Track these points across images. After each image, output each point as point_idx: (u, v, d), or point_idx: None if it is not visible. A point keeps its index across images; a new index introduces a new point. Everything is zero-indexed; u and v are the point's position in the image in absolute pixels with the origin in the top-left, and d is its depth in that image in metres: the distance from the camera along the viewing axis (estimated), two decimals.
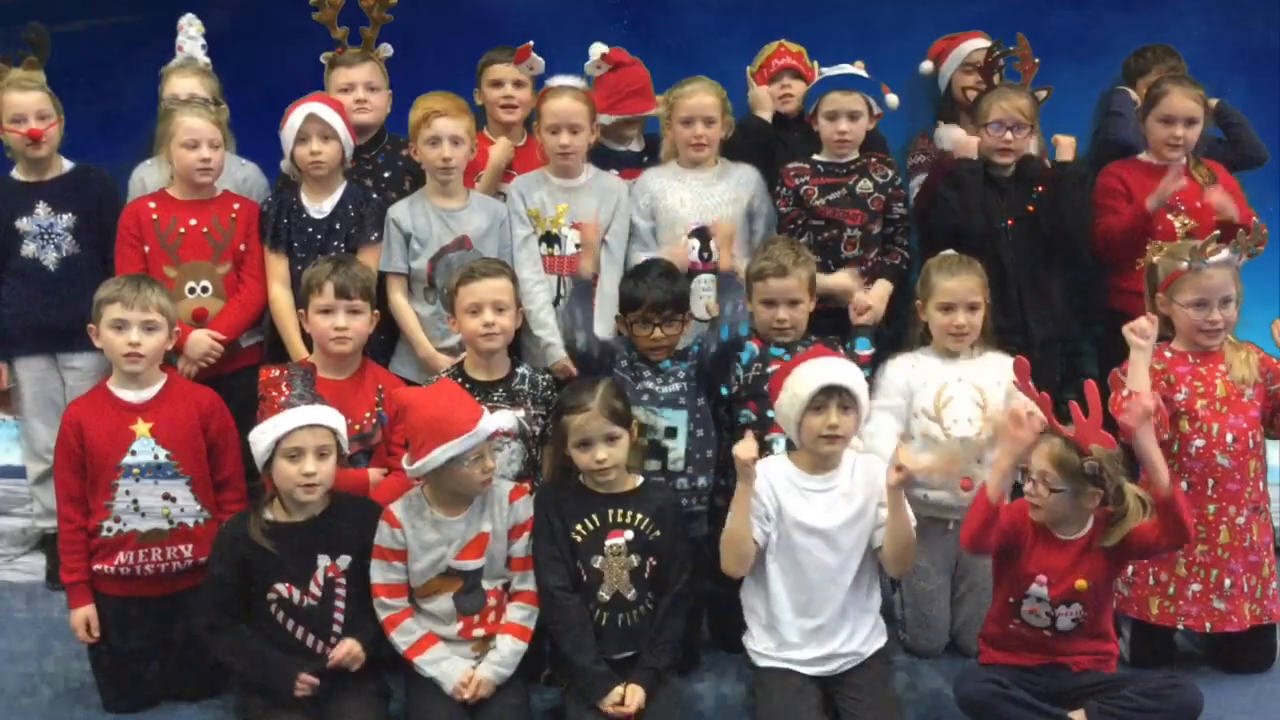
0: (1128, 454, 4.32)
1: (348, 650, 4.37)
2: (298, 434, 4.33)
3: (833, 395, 4.44)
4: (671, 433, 4.87)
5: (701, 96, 5.48)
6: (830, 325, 5.33)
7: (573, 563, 4.49)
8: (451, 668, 4.39)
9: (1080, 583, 4.33)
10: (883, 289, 5.50)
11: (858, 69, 5.62)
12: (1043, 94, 5.71)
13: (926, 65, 6.29)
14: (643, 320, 4.88)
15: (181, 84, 5.62)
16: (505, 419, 4.52)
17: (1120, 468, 4.30)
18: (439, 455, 4.34)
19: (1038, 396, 4.35)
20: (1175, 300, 4.83)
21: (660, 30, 6.49)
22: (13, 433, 6.15)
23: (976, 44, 5.99)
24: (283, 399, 4.42)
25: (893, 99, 5.71)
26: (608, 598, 4.47)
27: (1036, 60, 5.92)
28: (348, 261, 4.96)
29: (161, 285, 4.79)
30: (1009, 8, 6.47)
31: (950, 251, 5.15)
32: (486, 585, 4.49)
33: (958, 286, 4.97)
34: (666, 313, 4.88)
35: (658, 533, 4.52)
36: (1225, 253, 4.79)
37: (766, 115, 5.89)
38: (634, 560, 4.49)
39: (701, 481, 4.90)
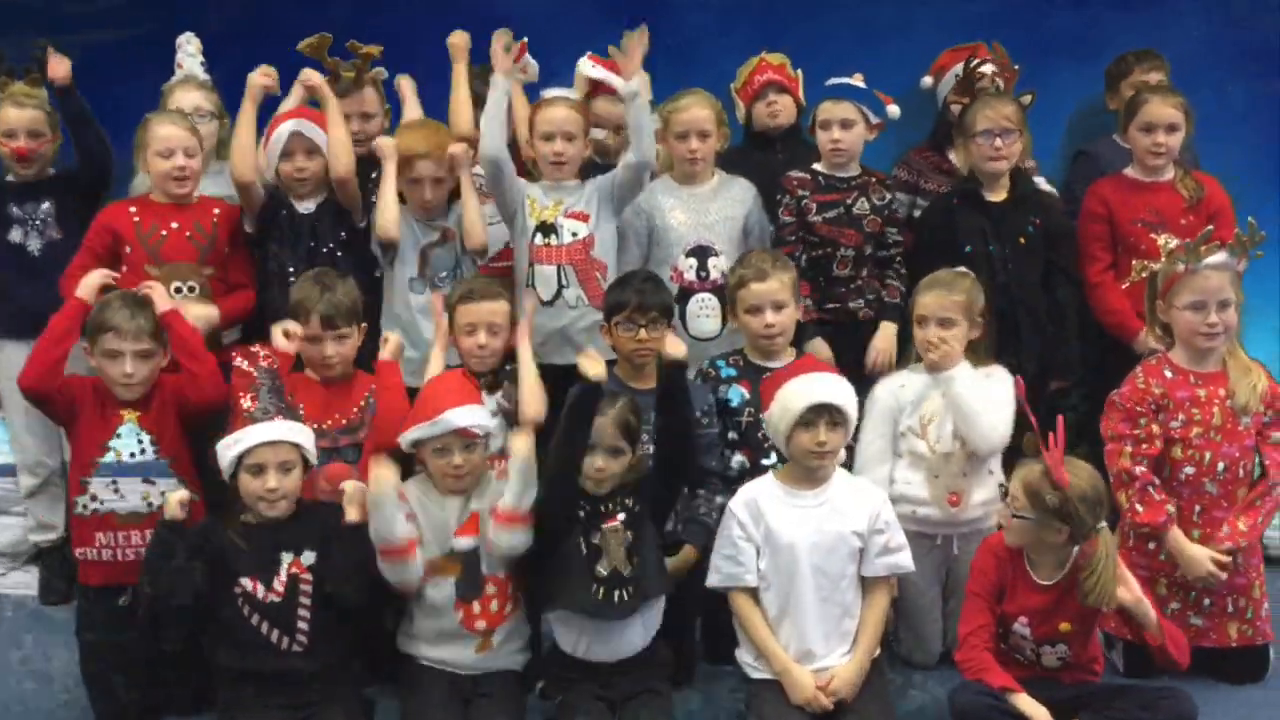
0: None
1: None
2: (259, 450, 4.36)
3: (822, 413, 4.48)
4: None
5: (695, 110, 5.47)
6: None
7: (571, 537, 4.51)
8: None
9: (1064, 625, 4.37)
10: (887, 331, 5.49)
11: (855, 80, 5.60)
12: (1026, 99, 5.67)
13: (927, 80, 6.25)
14: (627, 322, 4.88)
15: (185, 98, 5.65)
16: (476, 415, 4.50)
17: (1101, 510, 4.30)
18: (408, 435, 4.49)
19: (1032, 418, 4.39)
20: (1174, 304, 4.80)
21: (660, 30, 6.36)
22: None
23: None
24: (247, 408, 4.45)
25: (894, 109, 5.69)
26: (605, 573, 4.47)
27: (1016, 67, 5.89)
28: (333, 285, 4.92)
29: (151, 310, 4.76)
30: (1009, 8, 6.48)
31: (945, 270, 5.10)
32: (485, 570, 4.51)
33: (931, 302, 4.94)
34: (651, 314, 4.88)
35: (640, 506, 4.55)
36: (1222, 255, 4.76)
37: None
38: (629, 536, 4.50)
39: None
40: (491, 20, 6.33)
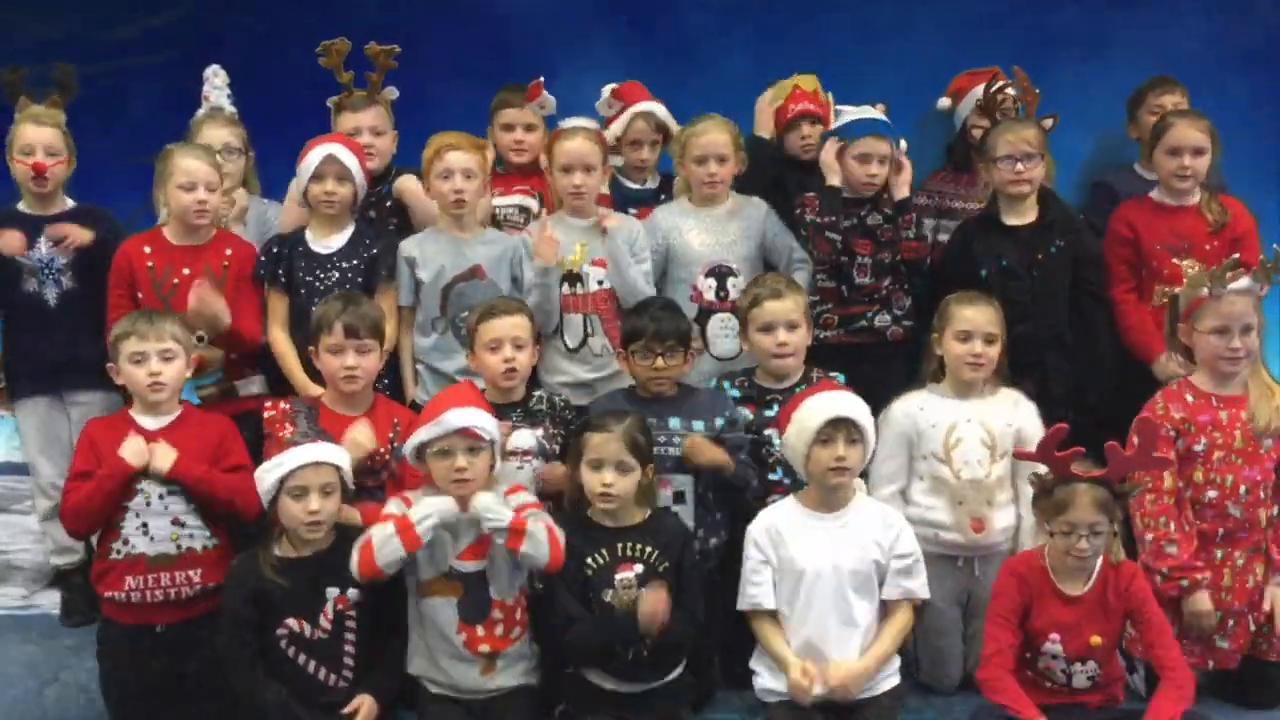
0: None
1: (365, 710, 4.40)
2: (301, 472, 4.35)
3: (840, 427, 4.48)
4: (679, 497, 4.89)
5: (714, 134, 5.45)
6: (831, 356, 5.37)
7: (584, 596, 4.51)
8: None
9: (1095, 639, 4.38)
10: None
11: (879, 112, 5.60)
12: (1048, 123, 5.64)
13: (944, 102, 6.23)
14: (645, 350, 4.88)
15: (213, 134, 5.61)
16: (479, 417, 4.45)
17: None
18: (412, 440, 4.46)
19: (1057, 459, 4.37)
20: (1197, 328, 4.79)
21: (659, 29, 6.47)
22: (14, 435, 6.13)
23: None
24: (286, 437, 4.44)
25: (902, 144, 5.68)
26: None
27: (1037, 91, 5.84)
28: (356, 300, 4.93)
29: (174, 315, 4.81)
30: (1009, 6, 6.47)
31: (964, 291, 5.10)
32: (494, 595, 4.48)
33: (976, 316, 4.93)
34: (669, 343, 4.87)
35: (666, 564, 4.54)
36: (1245, 280, 4.76)
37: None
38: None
39: (713, 543, 4.92)
40: (492, 18, 6.36)
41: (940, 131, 6.30)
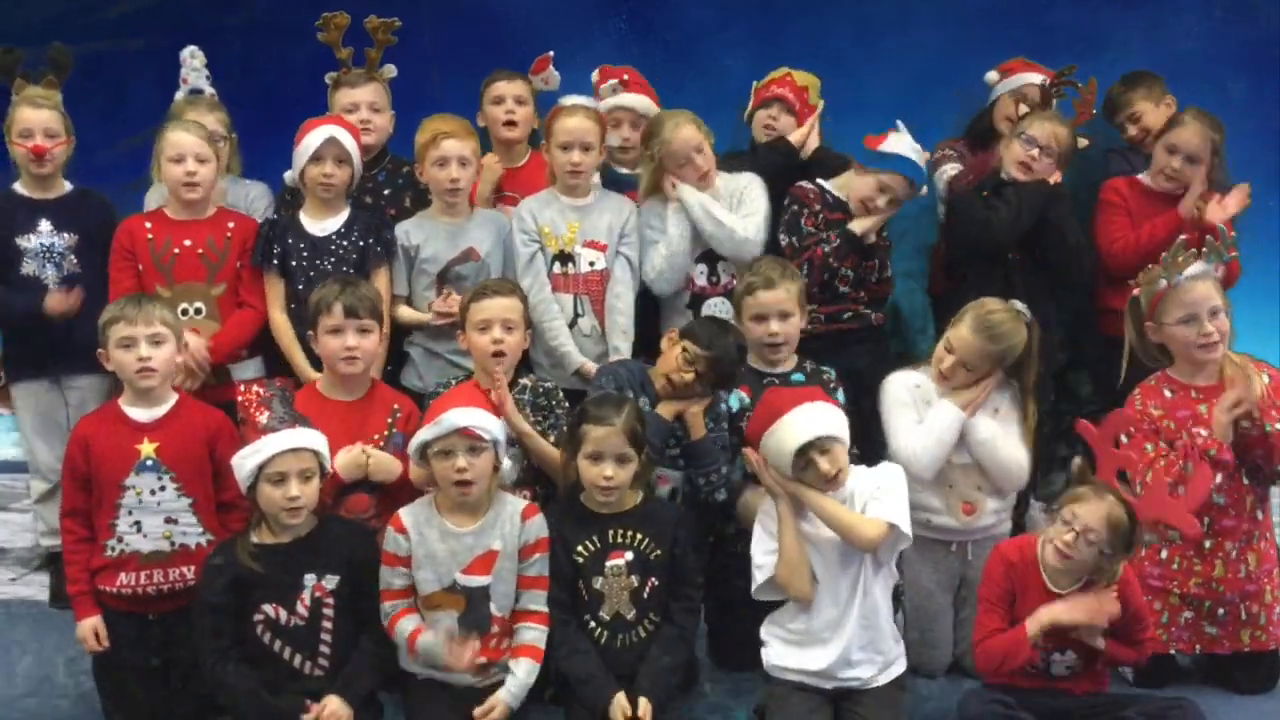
0: None
1: (329, 712, 4.32)
2: (280, 458, 4.30)
3: (818, 443, 4.38)
4: (672, 495, 4.90)
5: (685, 130, 5.38)
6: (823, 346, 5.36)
7: (575, 582, 4.50)
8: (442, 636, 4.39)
9: (1075, 631, 4.37)
10: None
11: (902, 132, 5.50)
12: (1084, 142, 5.70)
13: (992, 75, 6.18)
14: (691, 355, 4.74)
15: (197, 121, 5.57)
16: (480, 417, 4.41)
17: None
18: (414, 440, 4.45)
19: (1109, 452, 4.40)
20: (1164, 322, 4.76)
21: (659, 25, 6.46)
22: (13, 432, 6.14)
23: (1038, 78, 5.87)
24: (263, 421, 4.39)
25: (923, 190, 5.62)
26: (608, 618, 4.49)
27: (1095, 111, 5.84)
28: (355, 282, 4.92)
29: (163, 300, 4.79)
30: (1008, 3, 6.46)
31: (1018, 305, 4.94)
32: (495, 611, 4.46)
33: (976, 346, 4.82)
34: (710, 364, 4.76)
35: (658, 552, 4.52)
36: (1199, 264, 4.73)
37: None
38: (634, 580, 4.50)
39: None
40: (492, 14, 6.39)
41: (947, 121, 6.28)
